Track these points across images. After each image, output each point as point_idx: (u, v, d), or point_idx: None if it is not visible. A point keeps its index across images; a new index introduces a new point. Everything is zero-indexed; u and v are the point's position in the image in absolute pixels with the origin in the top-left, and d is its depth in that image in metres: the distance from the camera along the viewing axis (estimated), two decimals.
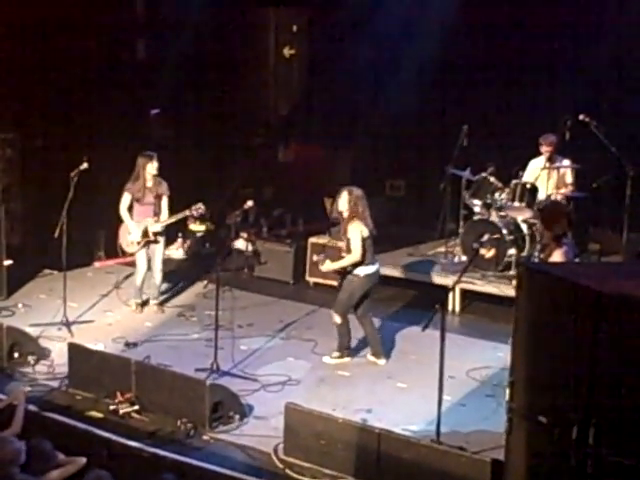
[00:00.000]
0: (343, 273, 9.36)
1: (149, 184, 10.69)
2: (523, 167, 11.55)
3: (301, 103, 14.62)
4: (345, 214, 9.23)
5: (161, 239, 10.89)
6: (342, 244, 9.39)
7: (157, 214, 10.75)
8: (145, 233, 10.73)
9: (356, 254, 9.18)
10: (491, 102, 12.86)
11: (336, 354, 9.52)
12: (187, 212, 10.72)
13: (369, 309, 9.56)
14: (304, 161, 14.64)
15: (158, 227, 10.75)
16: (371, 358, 9.56)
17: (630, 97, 12.09)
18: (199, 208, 10.60)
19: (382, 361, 9.49)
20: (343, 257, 9.27)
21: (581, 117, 11.02)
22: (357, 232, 9.15)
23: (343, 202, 9.21)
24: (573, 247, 8.71)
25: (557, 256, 7.68)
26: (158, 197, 10.74)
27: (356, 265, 9.22)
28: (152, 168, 10.65)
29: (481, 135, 11.95)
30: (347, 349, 9.54)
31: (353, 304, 9.42)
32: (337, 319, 9.43)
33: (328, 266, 9.45)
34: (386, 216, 14.01)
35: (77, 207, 10.39)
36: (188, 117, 14.08)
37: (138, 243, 10.76)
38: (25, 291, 11.51)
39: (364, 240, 9.16)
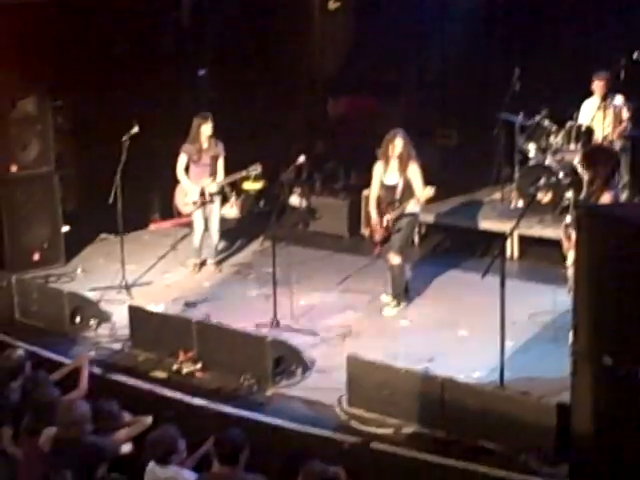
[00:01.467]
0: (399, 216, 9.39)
1: (205, 145, 10.70)
2: (577, 108, 11.37)
3: (348, 55, 14.49)
4: (401, 156, 9.30)
5: (217, 199, 10.91)
6: (393, 187, 9.36)
7: (213, 175, 10.76)
8: (202, 194, 10.75)
9: (427, 188, 9.27)
10: (542, 44, 12.64)
11: (394, 303, 9.50)
12: (244, 172, 10.74)
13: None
14: (354, 113, 14.54)
15: (214, 187, 10.76)
16: (386, 299, 9.61)
17: None
18: (255, 168, 10.61)
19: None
20: (403, 199, 9.28)
21: (635, 56, 10.79)
22: (419, 171, 9.30)
23: (400, 145, 9.28)
24: (620, 192, 8.67)
25: (606, 198, 7.54)
26: (214, 158, 10.75)
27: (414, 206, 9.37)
28: (207, 129, 10.65)
29: (533, 78, 11.75)
30: (404, 293, 9.53)
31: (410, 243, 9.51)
32: (397, 259, 9.42)
33: (422, 199, 9.33)
34: (439, 165, 13.92)
35: (130, 171, 10.41)
36: (235, 76, 14.02)
37: (194, 204, 10.79)
38: (83, 256, 11.58)
39: None
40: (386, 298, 9.61)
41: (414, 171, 9.29)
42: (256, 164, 10.61)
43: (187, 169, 10.81)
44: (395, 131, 9.38)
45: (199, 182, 10.75)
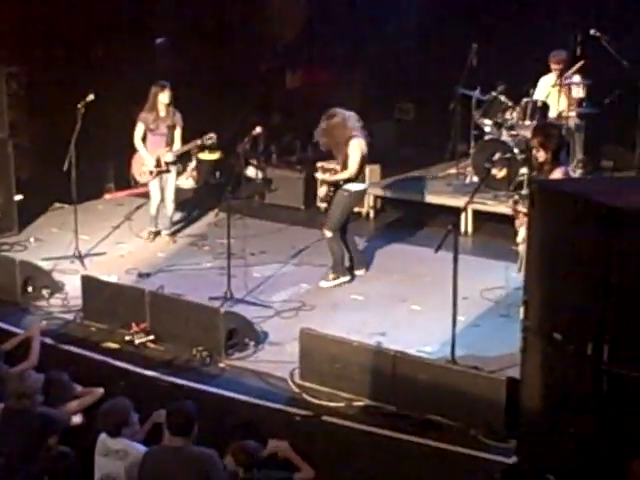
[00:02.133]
0: (334, 190, 9.38)
1: (162, 114, 10.65)
2: (534, 85, 11.42)
3: (307, 27, 14.43)
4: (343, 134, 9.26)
5: (173, 169, 10.88)
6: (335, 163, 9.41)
7: (169, 144, 10.73)
8: (158, 163, 10.71)
9: (353, 169, 9.24)
10: (500, 19, 12.67)
11: (332, 276, 9.52)
12: (198, 141, 10.71)
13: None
14: (312, 86, 14.50)
15: (171, 157, 10.72)
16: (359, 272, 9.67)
17: None
18: (211, 137, 10.59)
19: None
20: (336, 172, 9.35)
21: (592, 32, 10.85)
22: (358, 148, 9.23)
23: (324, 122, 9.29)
24: (571, 169, 8.78)
25: (557, 174, 7.63)
26: (171, 127, 10.71)
27: (349, 181, 9.30)
28: (164, 97, 10.60)
29: (490, 53, 11.78)
30: (342, 265, 9.53)
31: (344, 220, 9.50)
32: (328, 233, 9.44)
33: (323, 177, 9.41)
34: (396, 139, 13.95)
35: (85, 139, 10.33)
36: (193, 45, 13.92)
37: (151, 173, 10.75)
38: (37, 225, 11.49)
39: (363, 157, 9.26)
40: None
41: (353, 147, 9.24)
42: (211, 133, 10.58)
43: (144, 138, 10.75)
44: (332, 109, 9.36)
45: (156, 151, 10.70)
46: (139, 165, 10.84)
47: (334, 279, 9.50)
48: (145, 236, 10.99)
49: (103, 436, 6.59)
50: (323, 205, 9.56)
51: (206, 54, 13.90)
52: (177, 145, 10.75)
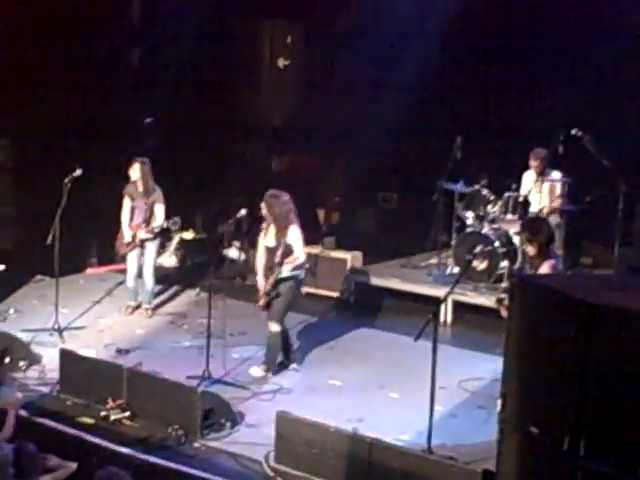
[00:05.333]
0: (276, 282, 9.20)
1: (140, 189, 10.80)
2: (517, 180, 11.59)
3: (295, 114, 14.64)
4: (277, 219, 9.20)
5: (151, 245, 10.98)
6: (272, 250, 9.18)
7: (146, 220, 10.86)
8: (133, 238, 10.85)
9: (303, 256, 9.25)
10: (484, 115, 12.90)
11: (263, 367, 9.34)
12: (164, 224, 10.82)
13: None
14: (297, 171, 14.67)
15: (143, 234, 10.85)
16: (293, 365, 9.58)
17: (624, 112, 12.08)
18: (175, 222, 10.79)
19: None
20: (281, 262, 9.10)
21: (573, 131, 11.05)
22: (299, 235, 9.21)
23: (265, 207, 9.19)
24: (560, 261, 8.86)
25: (545, 268, 7.75)
26: (150, 203, 10.83)
27: (293, 269, 9.21)
28: (132, 173, 10.80)
29: (474, 147, 11.97)
30: (274, 364, 9.38)
31: (288, 311, 9.41)
32: (277, 327, 9.31)
33: (278, 275, 9.15)
34: (378, 228, 14.09)
35: (70, 214, 10.39)
36: (181, 126, 14.08)
37: (127, 245, 10.89)
38: (17, 296, 11.50)
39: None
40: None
41: (293, 235, 9.16)
42: (176, 218, 10.75)
43: (133, 212, 10.92)
44: (268, 193, 9.24)
45: (138, 225, 10.87)
46: (121, 239, 10.97)
47: (266, 371, 9.31)
48: (123, 310, 11.01)
49: None
50: (265, 300, 9.32)
51: (193, 135, 14.06)
52: (159, 221, 10.85)
